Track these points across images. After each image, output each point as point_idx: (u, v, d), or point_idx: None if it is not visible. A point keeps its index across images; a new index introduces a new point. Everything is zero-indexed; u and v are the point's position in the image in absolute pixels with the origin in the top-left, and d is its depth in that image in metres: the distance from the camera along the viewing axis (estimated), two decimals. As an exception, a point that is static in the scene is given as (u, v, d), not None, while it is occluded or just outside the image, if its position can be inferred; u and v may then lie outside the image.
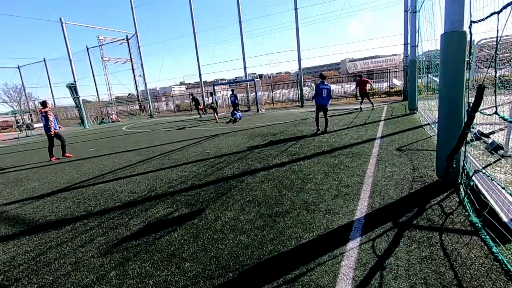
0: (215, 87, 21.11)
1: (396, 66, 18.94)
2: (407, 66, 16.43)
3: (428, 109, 10.38)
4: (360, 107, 13.56)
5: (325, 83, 8.49)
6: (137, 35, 24.82)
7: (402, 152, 5.44)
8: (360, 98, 13.98)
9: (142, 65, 25.27)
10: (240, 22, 20.47)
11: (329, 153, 5.89)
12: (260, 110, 19.25)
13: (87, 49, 30.39)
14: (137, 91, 29.79)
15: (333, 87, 25.55)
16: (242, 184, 4.53)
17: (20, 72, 38.28)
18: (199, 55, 22.60)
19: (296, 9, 18.89)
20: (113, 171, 6.38)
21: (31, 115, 40.74)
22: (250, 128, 11.40)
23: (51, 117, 8.26)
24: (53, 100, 34.99)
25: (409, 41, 15.70)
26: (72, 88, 20.14)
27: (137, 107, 30.26)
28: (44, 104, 8.38)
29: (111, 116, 23.96)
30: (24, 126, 21.19)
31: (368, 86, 13.55)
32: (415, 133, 7.06)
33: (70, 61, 19.76)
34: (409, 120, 9.10)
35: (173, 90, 71.89)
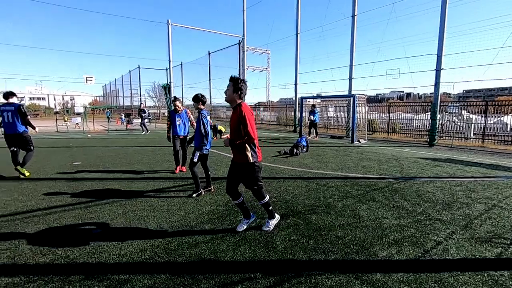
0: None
1: None
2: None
3: None
4: None
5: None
6: (244, 39, 23.17)
7: None
8: None
9: (244, 71, 23.45)
10: (353, 16, 14.84)
11: None
12: (358, 141, 13.11)
13: (209, 53, 31.69)
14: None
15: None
16: None
17: (167, 73, 45.39)
18: (298, 60, 18.38)
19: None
20: None
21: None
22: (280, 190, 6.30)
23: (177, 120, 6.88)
24: (182, 99, 39.52)
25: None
26: (167, 89, 20.35)
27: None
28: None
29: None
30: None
31: None
32: None
33: (169, 62, 19.93)
34: None
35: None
